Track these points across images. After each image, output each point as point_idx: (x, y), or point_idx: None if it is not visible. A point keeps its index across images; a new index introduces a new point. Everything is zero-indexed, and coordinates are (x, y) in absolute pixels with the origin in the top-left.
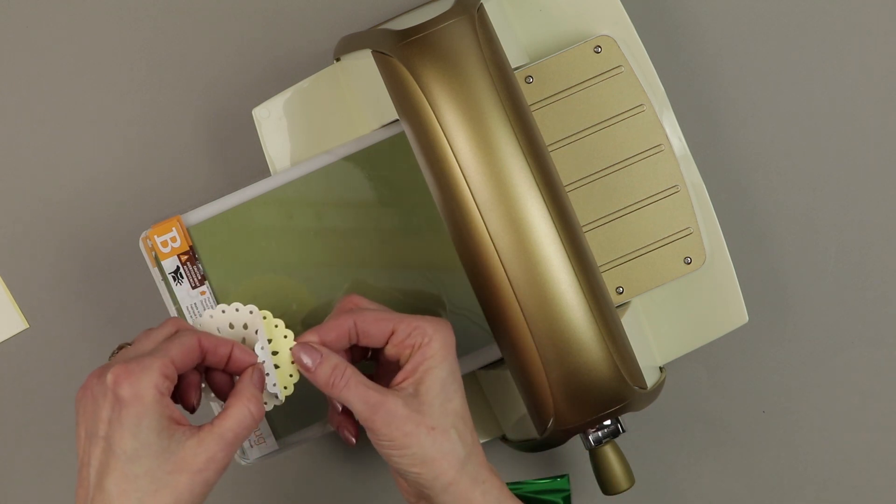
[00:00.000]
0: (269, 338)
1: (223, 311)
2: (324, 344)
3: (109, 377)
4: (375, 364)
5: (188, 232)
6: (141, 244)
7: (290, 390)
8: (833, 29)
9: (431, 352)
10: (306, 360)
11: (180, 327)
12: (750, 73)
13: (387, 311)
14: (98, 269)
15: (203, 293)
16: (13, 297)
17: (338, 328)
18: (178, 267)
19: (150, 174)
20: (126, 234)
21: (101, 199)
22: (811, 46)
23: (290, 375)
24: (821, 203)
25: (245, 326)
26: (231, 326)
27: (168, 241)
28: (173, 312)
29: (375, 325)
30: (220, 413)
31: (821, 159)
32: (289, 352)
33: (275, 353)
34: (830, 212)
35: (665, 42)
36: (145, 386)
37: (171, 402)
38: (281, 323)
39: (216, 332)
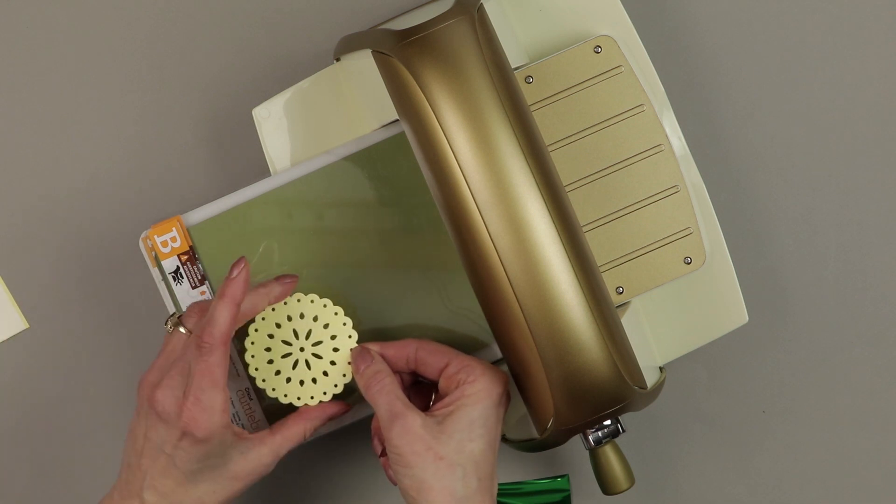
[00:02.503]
0: (334, 334)
1: (285, 303)
2: (382, 356)
3: (182, 419)
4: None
5: (188, 232)
6: (141, 244)
7: (340, 388)
8: (833, 29)
9: (472, 391)
10: (359, 362)
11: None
12: (750, 73)
13: (450, 348)
14: (98, 269)
15: (203, 293)
16: (13, 297)
17: (400, 347)
18: (178, 267)
19: (150, 174)
20: (126, 234)
21: (101, 199)
22: (811, 46)
23: (344, 375)
24: (821, 203)
25: (301, 317)
26: (289, 319)
27: (168, 241)
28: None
29: (433, 355)
30: (276, 425)
31: (821, 159)
32: (349, 352)
33: (335, 350)
34: (830, 212)
35: (665, 42)
36: (214, 429)
37: (232, 423)
38: (349, 322)
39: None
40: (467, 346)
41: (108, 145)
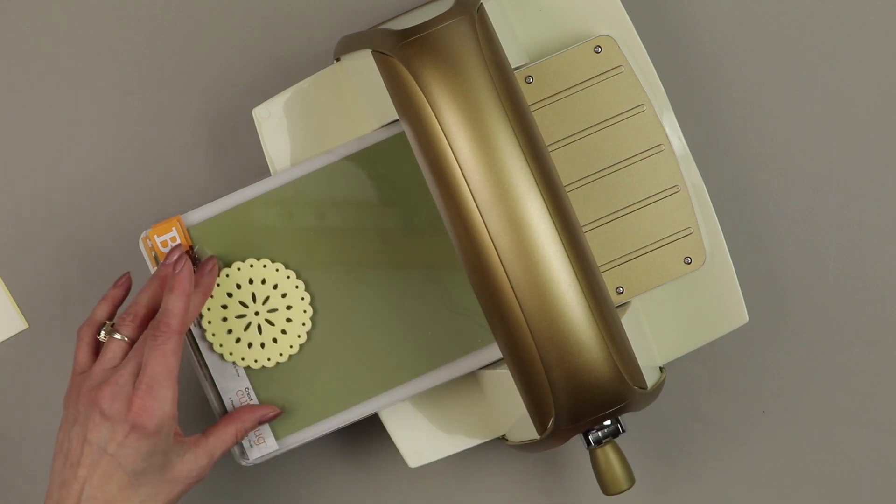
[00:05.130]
0: (290, 305)
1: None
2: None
3: (132, 411)
4: None
5: (188, 232)
6: (141, 244)
7: (286, 358)
8: (833, 29)
9: None
10: None
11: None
12: (750, 73)
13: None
14: (98, 269)
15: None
16: (13, 297)
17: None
18: None
19: (150, 174)
20: (126, 234)
21: (101, 199)
22: (811, 46)
23: (291, 346)
24: (821, 203)
25: (263, 282)
26: (238, 287)
27: (168, 241)
28: None
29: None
30: (213, 428)
31: (821, 159)
32: (301, 321)
33: (289, 321)
34: (830, 212)
35: (665, 42)
36: (165, 419)
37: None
38: (301, 285)
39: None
40: (467, 346)
41: (108, 145)
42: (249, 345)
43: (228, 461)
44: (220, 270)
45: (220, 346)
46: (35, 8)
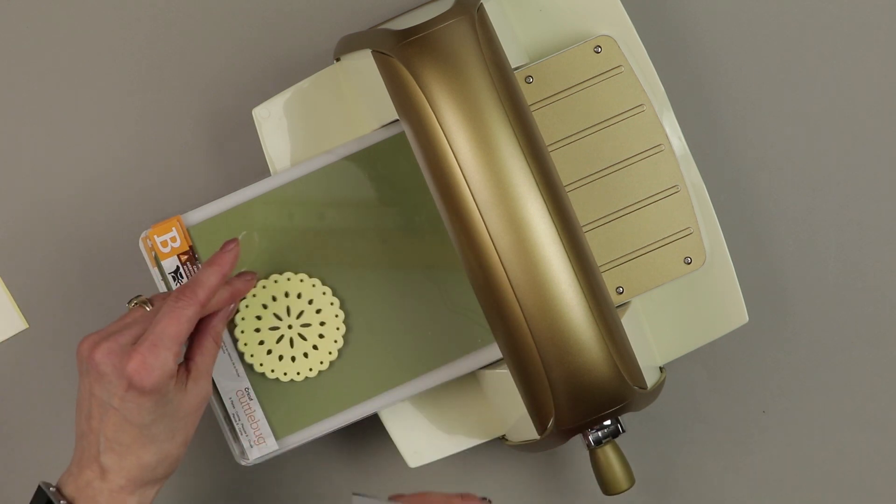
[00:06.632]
0: (319, 308)
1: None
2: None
3: (129, 367)
4: None
5: (188, 232)
6: (141, 244)
7: (326, 366)
8: (833, 29)
9: None
10: None
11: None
12: (750, 73)
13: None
14: (98, 269)
15: None
16: (13, 297)
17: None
18: (178, 267)
19: (150, 174)
20: (126, 234)
21: (101, 199)
22: (811, 46)
23: (329, 353)
24: (821, 203)
25: (287, 295)
26: (274, 299)
27: (168, 241)
28: None
29: None
30: (192, 351)
31: (821, 159)
32: (335, 330)
33: (322, 324)
34: (830, 212)
35: (665, 42)
36: (163, 379)
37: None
38: (337, 302)
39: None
40: (467, 346)
41: (109, 145)
42: (280, 357)
43: (228, 461)
44: (256, 283)
45: (252, 356)
46: (35, 8)
